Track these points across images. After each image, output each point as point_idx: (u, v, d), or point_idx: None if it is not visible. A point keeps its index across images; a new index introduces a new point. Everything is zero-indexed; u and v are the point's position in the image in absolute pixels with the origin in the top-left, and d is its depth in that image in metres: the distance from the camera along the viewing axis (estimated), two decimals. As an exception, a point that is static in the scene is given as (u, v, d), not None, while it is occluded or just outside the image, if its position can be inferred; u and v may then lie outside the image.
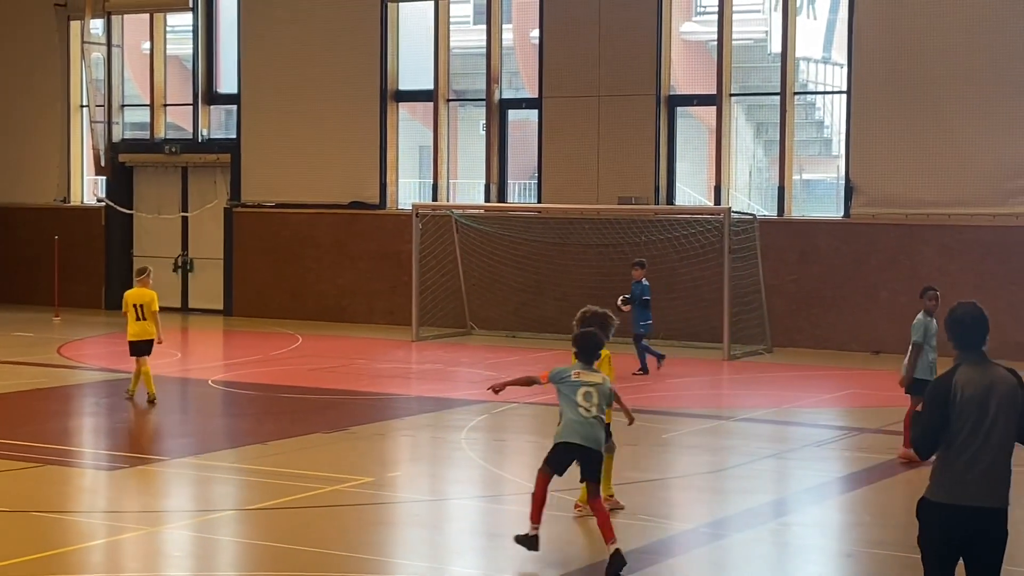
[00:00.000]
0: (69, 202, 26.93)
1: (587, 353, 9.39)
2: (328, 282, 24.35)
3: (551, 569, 9.07)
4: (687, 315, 20.93)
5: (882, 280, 20.60)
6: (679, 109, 22.33)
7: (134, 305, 15.18)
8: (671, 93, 22.15)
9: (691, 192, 22.78)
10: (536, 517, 9.11)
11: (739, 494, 11.51)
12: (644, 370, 17.91)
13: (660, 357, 18.20)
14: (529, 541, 9.10)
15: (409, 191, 24.63)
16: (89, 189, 27.21)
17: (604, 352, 9.87)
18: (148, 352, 15.21)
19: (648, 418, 14.76)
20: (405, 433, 14.14)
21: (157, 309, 15.30)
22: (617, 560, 8.76)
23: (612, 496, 10.43)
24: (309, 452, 12.85)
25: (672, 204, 22.14)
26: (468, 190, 24.36)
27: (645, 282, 18.22)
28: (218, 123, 26.28)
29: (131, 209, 26.37)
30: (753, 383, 17.85)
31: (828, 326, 20.88)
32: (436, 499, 11.41)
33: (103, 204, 26.38)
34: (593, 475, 9.10)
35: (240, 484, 11.67)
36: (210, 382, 17.18)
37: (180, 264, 26.19)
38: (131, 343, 15.18)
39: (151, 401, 15.03)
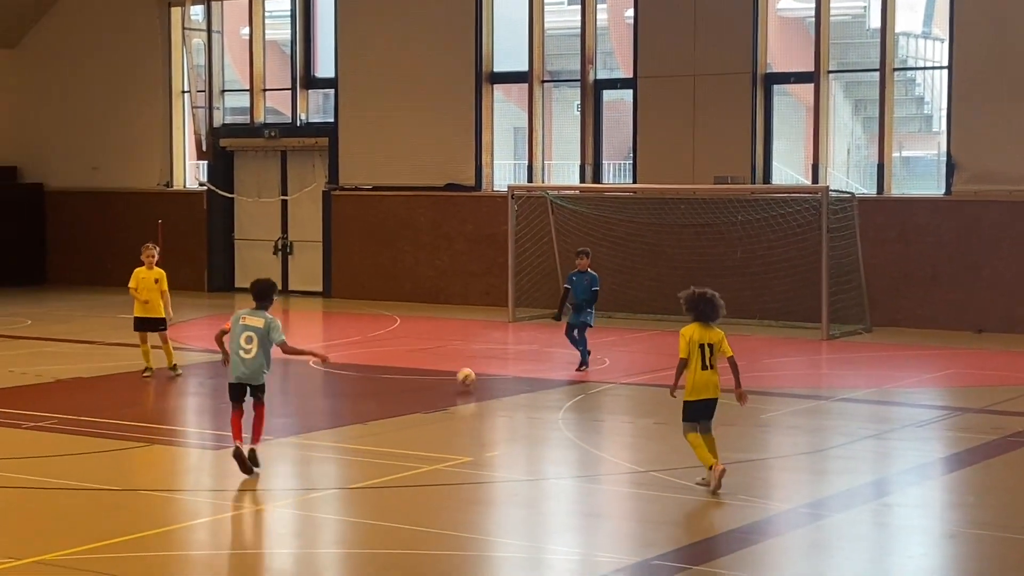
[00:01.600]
0: (172, 186, 27.42)
1: (258, 298, 11.13)
2: (425, 264, 24.52)
3: (651, 548, 9.09)
4: (784, 295, 20.77)
5: (985, 258, 20.25)
6: (776, 87, 22.11)
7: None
8: (768, 71, 21.94)
9: (788, 171, 22.57)
10: (238, 436, 10.92)
11: (839, 474, 11.43)
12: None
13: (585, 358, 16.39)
14: (237, 453, 10.88)
15: (504, 172, 24.71)
16: (191, 173, 27.68)
17: (719, 332, 10.56)
18: (155, 328, 15.92)
19: (746, 398, 14.70)
20: (502, 413, 14.23)
21: (131, 285, 16.12)
22: (252, 457, 10.83)
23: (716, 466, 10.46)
24: (408, 432, 12.99)
25: (769, 183, 21.95)
26: (563, 171, 24.37)
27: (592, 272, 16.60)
28: (316, 107, 26.56)
29: (232, 193, 26.78)
30: (852, 363, 17.67)
31: (929, 305, 20.59)
32: (534, 479, 11.48)
33: (205, 188, 26.82)
34: (259, 399, 11.07)
35: (341, 463, 11.84)
36: (310, 363, 17.41)
37: (280, 247, 26.55)
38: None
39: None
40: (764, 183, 21.84)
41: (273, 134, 26.19)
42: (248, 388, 11.10)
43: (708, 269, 21.38)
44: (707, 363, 10.42)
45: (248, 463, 10.89)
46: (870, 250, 20.60)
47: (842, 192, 20.81)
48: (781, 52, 22.37)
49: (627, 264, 21.91)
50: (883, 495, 10.87)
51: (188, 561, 8.99)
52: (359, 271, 25.13)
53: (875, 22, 21.53)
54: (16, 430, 12.91)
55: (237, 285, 26.78)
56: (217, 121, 26.69)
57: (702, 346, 10.40)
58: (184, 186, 27.56)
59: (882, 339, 19.60)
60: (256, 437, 11.07)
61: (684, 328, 10.53)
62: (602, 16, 23.71)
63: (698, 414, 10.52)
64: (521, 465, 11.99)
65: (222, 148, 26.75)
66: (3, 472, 11.05)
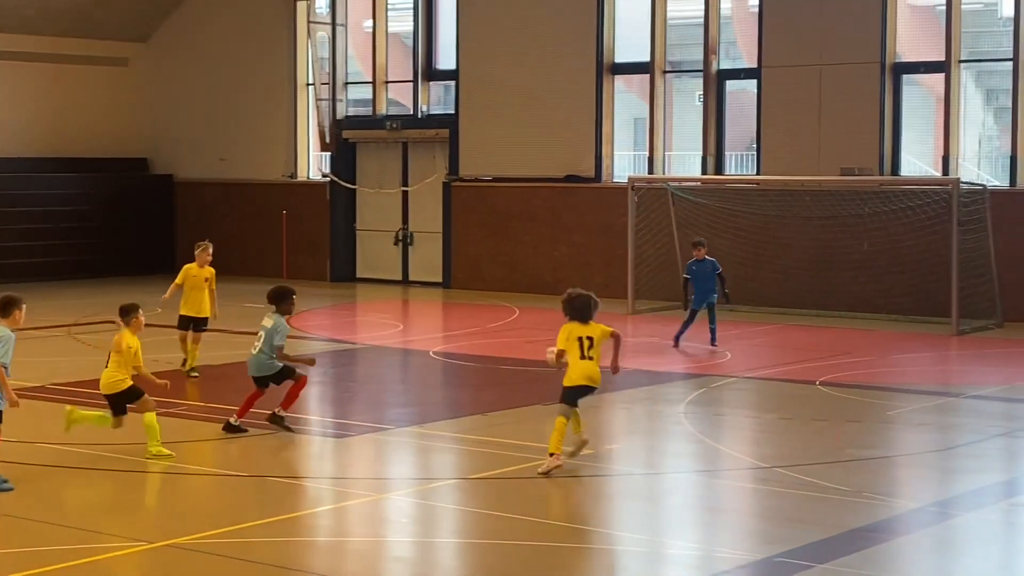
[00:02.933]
0: (296, 177, 27.80)
1: (270, 302, 12.41)
2: (544, 255, 24.50)
3: (774, 545, 8.95)
4: (913, 289, 20.35)
5: (1123, 252, 19.62)
6: (905, 77, 21.66)
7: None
8: (896, 61, 21.50)
9: (918, 162, 22.09)
10: (242, 414, 12.26)
11: (968, 473, 11.16)
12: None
13: (679, 336, 17.59)
14: (232, 428, 12.20)
15: (625, 164, 24.58)
16: (315, 165, 28.02)
17: (600, 328, 11.29)
18: (198, 328, 15.63)
19: (873, 394, 14.45)
20: (622, 406, 14.14)
21: (178, 282, 15.80)
22: (276, 420, 12.16)
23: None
24: (528, 423, 12.99)
25: (897, 175, 21.51)
26: (684, 162, 24.16)
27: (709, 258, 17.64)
28: (437, 99, 26.70)
29: (354, 184, 27.05)
30: (983, 359, 17.25)
31: (1063, 301, 20.00)
32: (654, 472, 11.40)
33: (328, 179, 27.14)
34: (284, 381, 12.30)
35: (461, 453, 11.88)
36: (431, 353, 17.51)
37: (400, 237, 26.75)
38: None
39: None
40: (892, 175, 21.41)
41: (395, 126, 26.38)
42: (255, 381, 12.28)
43: (834, 262, 21.05)
44: (585, 354, 11.05)
45: (237, 430, 12.16)
46: (1002, 243, 20.08)
47: (973, 184, 20.32)
48: (911, 41, 21.89)
49: (750, 256, 21.64)
50: (1013, 495, 10.59)
51: (313, 547, 9.09)
52: (478, 262, 25.21)
53: (1008, 11, 20.97)
54: (145, 416, 13.16)
55: (359, 275, 27.07)
56: (340, 113, 26.98)
57: (580, 339, 11.08)
58: (308, 177, 27.91)
59: (1014, 334, 19.10)
60: (284, 402, 12.27)
61: (564, 325, 11.22)
62: (725, 5, 23.43)
63: (575, 399, 11.04)
64: (641, 458, 11.90)
65: (345, 140, 27.03)
66: (136, 457, 11.29)
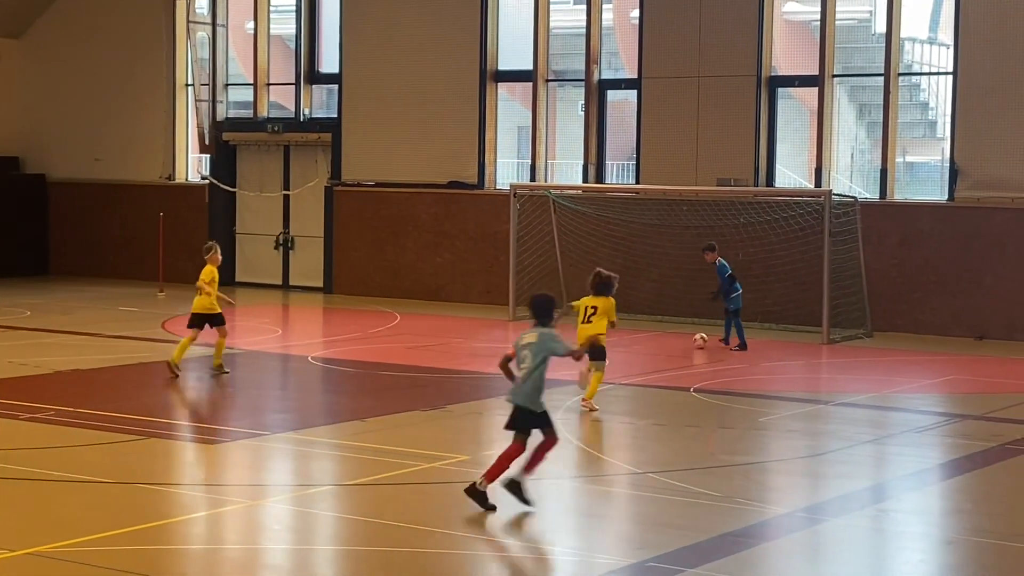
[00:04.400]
0: (174, 179, 27.40)
1: (538, 314, 10.24)
2: (426, 261, 24.51)
3: (646, 550, 9.07)
4: (785, 298, 20.75)
5: (987, 265, 20.23)
6: (780, 90, 22.09)
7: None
8: (772, 74, 21.92)
9: (791, 174, 22.55)
10: (494, 476, 9.94)
11: (837, 479, 11.42)
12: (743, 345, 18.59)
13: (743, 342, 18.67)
14: (478, 494, 9.87)
15: (507, 171, 24.68)
16: (193, 167, 27.65)
17: (607, 301, 13.65)
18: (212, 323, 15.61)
19: (744, 401, 14.71)
20: (501, 412, 14.10)
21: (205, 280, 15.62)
22: (480, 496, 9.76)
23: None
24: (406, 429, 12.99)
25: (772, 186, 21.93)
26: (566, 170, 24.35)
27: (721, 261, 18.93)
28: (320, 102, 26.54)
29: (234, 187, 26.76)
30: (852, 368, 17.66)
31: (930, 311, 20.57)
32: (532, 478, 11.45)
33: (207, 182, 26.81)
34: (544, 431, 10.04)
35: (338, 460, 11.82)
36: (309, 359, 17.41)
37: (281, 242, 26.53)
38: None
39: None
40: (767, 186, 21.82)
41: (276, 129, 26.16)
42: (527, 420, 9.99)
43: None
44: (587, 319, 13.67)
45: (485, 501, 9.89)
46: (872, 255, 20.58)
47: (845, 196, 20.79)
48: (786, 55, 22.35)
49: (629, 265, 21.86)
50: (881, 500, 10.86)
51: (183, 555, 8.98)
52: (360, 267, 25.11)
53: (880, 27, 21.52)
54: (13, 421, 12.90)
55: (238, 279, 26.76)
56: (220, 115, 26.67)
57: (586, 307, 13.73)
58: (186, 179, 27.54)
59: (882, 344, 19.58)
60: (528, 465, 10.04)
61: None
62: (607, 16, 23.67)
63: (591, 356, 13.35)
64: (518, 464, 11.95)
65: (225, 142, 26.72)
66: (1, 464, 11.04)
